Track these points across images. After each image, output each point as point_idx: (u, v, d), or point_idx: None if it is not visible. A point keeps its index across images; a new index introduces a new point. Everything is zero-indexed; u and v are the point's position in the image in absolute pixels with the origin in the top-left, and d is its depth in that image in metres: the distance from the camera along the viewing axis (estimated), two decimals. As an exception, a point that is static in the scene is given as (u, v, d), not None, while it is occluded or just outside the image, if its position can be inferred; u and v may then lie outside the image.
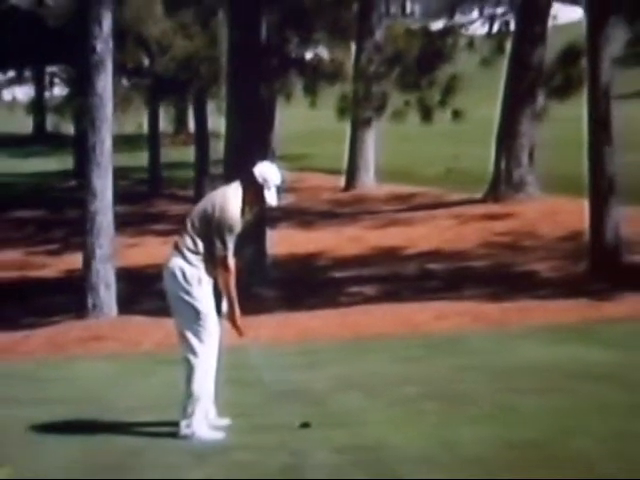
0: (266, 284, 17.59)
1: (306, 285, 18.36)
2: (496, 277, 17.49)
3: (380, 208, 25.23)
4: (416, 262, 19.48)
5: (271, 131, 19.51)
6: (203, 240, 7.44)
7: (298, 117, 33.63)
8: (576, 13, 24.96)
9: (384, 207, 25.32)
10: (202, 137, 31.14)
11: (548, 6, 23.99)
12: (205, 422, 7.53)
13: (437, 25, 24.94)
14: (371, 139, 28.38)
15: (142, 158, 34.08)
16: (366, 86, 21.29)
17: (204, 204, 7.59)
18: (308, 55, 30.34)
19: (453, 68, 22.32)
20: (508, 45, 24.80)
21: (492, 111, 24.53)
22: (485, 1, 27.05)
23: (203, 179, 29.50)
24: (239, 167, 15.72)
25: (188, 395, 7.47)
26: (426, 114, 22.02)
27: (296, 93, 29.11)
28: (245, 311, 7.64)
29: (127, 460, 7.12)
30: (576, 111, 18.19)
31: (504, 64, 24.25)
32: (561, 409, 8.10)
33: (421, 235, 21.62)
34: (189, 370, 7.47)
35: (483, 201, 23.47)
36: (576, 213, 17.96)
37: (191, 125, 38.42)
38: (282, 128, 22.88)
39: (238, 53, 18.69)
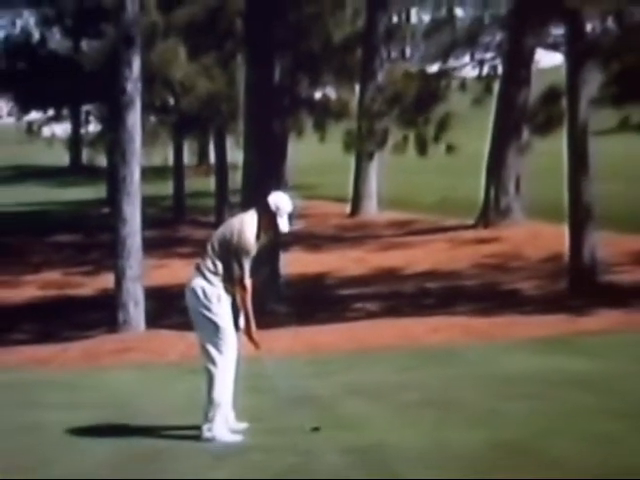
0: (279, 301, 17.59)
1: (315, 302, 18.35)
2: (485, 295, 17.45)
3: (382, 233, 25.23)
4: (414, 281, 19.47)
5: (284, 163, 19.52)
6: (222, 262, 7.47)
7: (308, 150, 33.69)
8: (557, 59, 25.02)
9: (385, 232, 25.32)
10: (222, 168, 31.20)
11: (532, 52, 24.07)
12: (225, 426, 7.54)
13: (433, 68, 24.99)
14: (374, 171, 28.42)
15: (168, 188, 34.16)
16: (369, 123, 21.33)
17: (223, 230, 7.62)
18: (317, 95, 30.45)
19: (447, 107, 22.36)
20: (496, 86, 24.85)
21: (482, 146, 24.56)
22: (475, 47, 27.07)
23: (223, 207, 29.54)
24: (255, 196, 15.72)
25: (209, 401, 7.49)
26: (422, 148, 22.03)
27: (306, 129, 29.23)
28: (260, 326, 7.66)
29: (154, 460, 7.13)
30: (557, 146, 18.19)
31: (493, 103, 24.30)
32: (545, 413, 8.09)
33: (418, 257, 21.61)
34: (210, 379, 7.49)
35: (474, 226, 23.45)
36: (557, 237, 17.94)
37: (212, 158, 38.52)
38: (294, 160, 22.91)
39: (254, 93, 18.75)
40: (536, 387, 9.10)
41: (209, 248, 7.54)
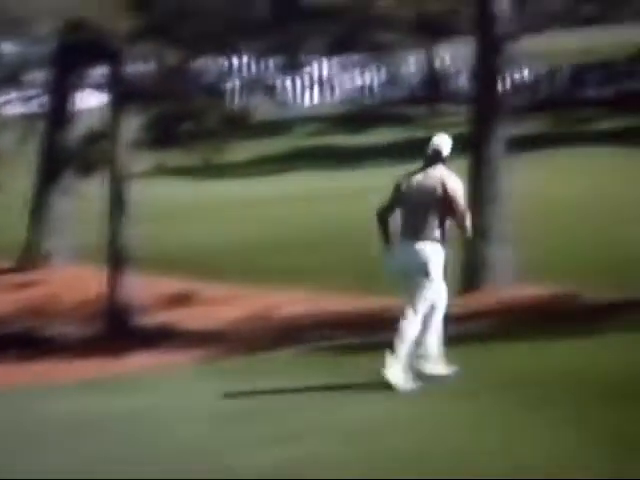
0: None
1: None
2: (28, 341, 17.05)
3: None
4: None
5: None
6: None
7: None
8: (102, 99, 25.08)
9: None
10: None
11: (75, 91, 23.99)
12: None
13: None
14: None
15: None
16: None
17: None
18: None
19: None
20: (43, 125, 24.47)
21: (29, 185, 24.01)
22: (20, 84, 26.49)
23: None
24: None
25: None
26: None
27: None
28: None
29: None
30: (101, 189, 18.29)
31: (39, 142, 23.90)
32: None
33: None
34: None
35: (16, 270, 22.83)
36: (98, 280, 18.00)
37: None
38: None
39: None
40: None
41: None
